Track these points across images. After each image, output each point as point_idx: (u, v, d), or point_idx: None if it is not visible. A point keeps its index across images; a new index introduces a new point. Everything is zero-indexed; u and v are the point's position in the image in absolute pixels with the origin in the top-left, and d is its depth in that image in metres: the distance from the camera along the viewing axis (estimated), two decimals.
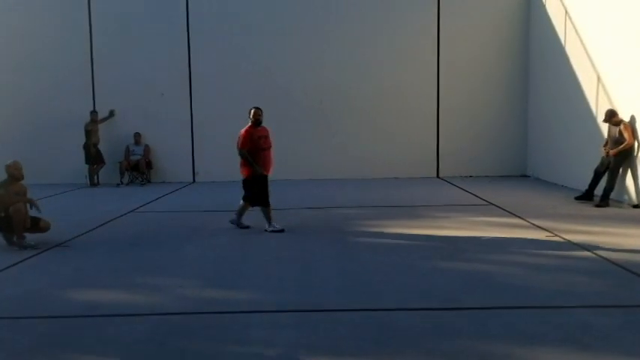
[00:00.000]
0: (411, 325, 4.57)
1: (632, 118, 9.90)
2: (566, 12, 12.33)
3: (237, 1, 14.57)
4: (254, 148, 8.33)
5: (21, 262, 6.80)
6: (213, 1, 14.59)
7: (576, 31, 11.90)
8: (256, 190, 8.39)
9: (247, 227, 8.58)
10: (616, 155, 9.83)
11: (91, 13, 14.65)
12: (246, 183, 8.53)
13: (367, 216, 9.46)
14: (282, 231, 8.26)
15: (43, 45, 14.55)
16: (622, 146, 9.77)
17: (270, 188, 8.54)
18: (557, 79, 12.78)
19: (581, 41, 11.67)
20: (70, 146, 14.28)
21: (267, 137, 8.55)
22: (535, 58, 14.13)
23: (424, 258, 6.62)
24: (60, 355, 4.15)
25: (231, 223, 8.69)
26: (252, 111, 8.60)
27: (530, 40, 14.37)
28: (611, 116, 10.10)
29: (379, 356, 4.00)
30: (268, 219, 8.41)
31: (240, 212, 8.62)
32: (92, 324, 4.78)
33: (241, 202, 8.63)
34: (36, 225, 7.73)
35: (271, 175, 8.63)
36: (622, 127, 9.87)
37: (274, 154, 8.71)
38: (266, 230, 8.35)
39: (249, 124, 8.51)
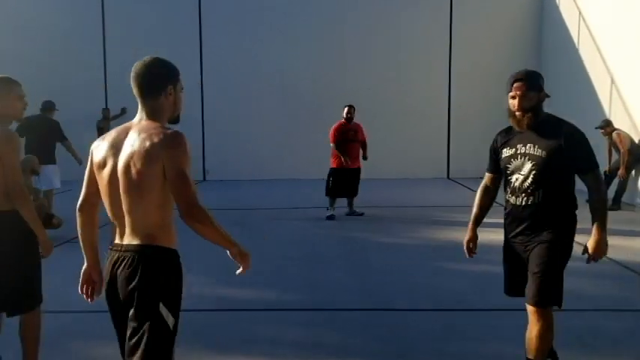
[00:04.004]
0: (419, 325, 4.56)
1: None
2: (580, 13, 12.24)
3: (249, 2, 14.61)
4: (342, 141, 9.12)
5: None
6: (225, 1, 14.63)
7: (590, 32, 11.81)
8: (340, 180, 9.22)
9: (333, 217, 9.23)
10: (626, 171, 9.77)
11: (104, 12, 14.74)
12: (335, 172, 9.32)
13: (377, 216, 9.44)
14: (362, 214, 9.35)
15: (56, 42, 14.64)
16: (623, 160, 9.76)
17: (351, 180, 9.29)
18: (570, 80, 12.69)
19: (595, 43, 11.58)
20: (82, 143, 14.34)
21: (356, 132, 9.31)
22: (547, 57, 14.03)
23: (433, 258, 6.61)
24: (70, 347, 4.19)
25: (328, 218, 9.24)
26: (345, 109, 9.31)
27: (542, 40, 14.29)
28: (606, 126, 10.10)
29: (387, 356, 3.99)
30: (350, 205, 9.46)
31: (331, 205, 9.36)
32: (101, 319, 4.80)
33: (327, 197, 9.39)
34: (49, 221, 7.78)
35: (360, 166, 9.46)
36: (615, 136, 9.86)
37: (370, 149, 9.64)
38: (347, 214, 9.39)
39: (342, 119, 9.31)
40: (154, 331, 2.33)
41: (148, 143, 2.32)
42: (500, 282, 3.57)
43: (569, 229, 3.29)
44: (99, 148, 2.46)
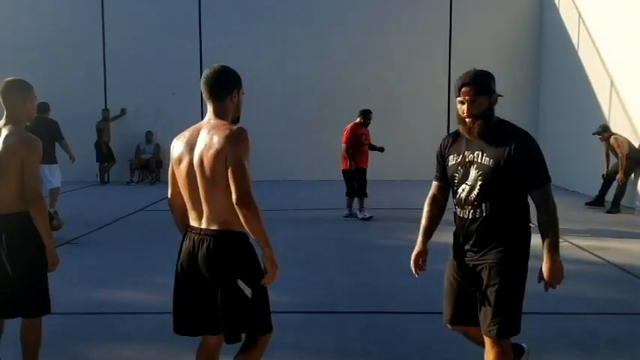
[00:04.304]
0: (418, 328, 4.56)
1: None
2: (580, 15, 12.26)
3: (247, 2, 14.63)
4: (356, 144, 9.28)
5: None
6: (224, 2, 14.65)
7: (590, 34, 11.83)
8: (354, 181, 9.36)
9: (351, 215, 9.48)
10: (624, 175, 9.76)
11: (104, 12, 14.75)
12: (345, 174, 9.47)
13: (375, 218, 9.44)
14: (370, 218, 9.26)
15: (56, 43, 14.63)
16: (621, 165, 9.77)
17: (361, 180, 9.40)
18: (570, 83, 12.71)
19: (595, 46, 11.60)
20: (82, 144, 14.34)
21: (367, 136, 9.58)
22: (547, 61, 14.06)
23: (432, 261, 6.58)
24: (70, 349, 4.18)
25: (346, 217, 9.47)
26: (367, 114, 9.57)
27: (542, 44, 14.31)
28: (603, 131, 10.13)
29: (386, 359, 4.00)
30: (361, 206, 9.40)
31: (349, 204, 9.53)
32: (101, 320, 4.81)
33: (346, 197, 9.53)
34: (49, 223, 7.77)
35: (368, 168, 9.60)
36: (612, 141, 9.87)
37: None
38: (357, 217, 9.33)
39: (357, 122, 9.49)
40: (236, 303, 2.75)
41: (216, 139, 2.70)
42: None
43: (522, 246, 2.96)
44: (175, 147, 2.85)
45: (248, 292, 2.76)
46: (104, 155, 14.37)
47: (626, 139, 9.93)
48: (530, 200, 2.93)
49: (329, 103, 14.49)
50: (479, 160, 2.91)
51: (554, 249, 2.88)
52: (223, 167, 2.67)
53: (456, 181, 3.02)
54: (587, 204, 10.38)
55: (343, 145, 9.39)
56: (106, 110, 14.50)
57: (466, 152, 2.96)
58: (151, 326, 4.63)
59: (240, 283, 2.75)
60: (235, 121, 2.91)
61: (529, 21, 14.45)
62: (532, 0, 14.47)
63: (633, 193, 10.03)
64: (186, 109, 14.73)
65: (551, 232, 2.88)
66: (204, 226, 2.78)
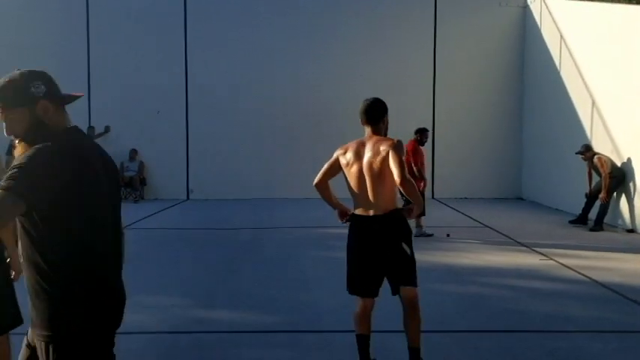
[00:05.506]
0: (404, 347, 4.52)
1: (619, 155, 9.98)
2: (562, 37, 12.46)
3: (234, 18, 14.67)
4: (418, 164, 9.19)
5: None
6: (210, 19, 14.68)
7: (572, 56, 12.01)
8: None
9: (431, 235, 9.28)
10: (607, 194, 9.86)
11: (89, 30, 14.70)
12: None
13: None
14: (431, 235, 9.16)
15: (40, 61, 14.52)
16: (604, 184, 9.85)
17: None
18: (553, 103, 12.86)
19: (577, 66, 11.77)
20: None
21: (423, 156, 9.57)
22: (530, 82, 14.23)
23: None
24: None
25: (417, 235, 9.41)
26: (422, 132, 9.40)
27: (525, 65, 14.49)
28: (586, 150, 10.25)
29: None
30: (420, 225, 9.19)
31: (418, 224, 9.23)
32: None
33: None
34: None
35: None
36: (596, 160, 9.99)
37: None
38: (415, 235, 9.09)
39: (414, 140, 9.29)
40: (405, 259, 3.88)
41: (382, 147, 3.84)
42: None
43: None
44: (344, 155, 3.97)
45: (408, 251, 3.87)
46: None
47: (609, 158, 10.04)
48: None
49: (316, 122, 14.51)
50: None
51: None
52: (387, 168, 3.74)
53: None
54: (570, 222, 10.45)
55: (415, 168, 9.01)
56: (90, 128, 14.40)
57: None
58: (137, 346, 4.55)
59: (404, 245, 3.86)
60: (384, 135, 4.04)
61: (512, 43, 14.62)
62: (515, 21, 14.66)
63: (616, 211, 10.12)
64: (170, 126, 14.70)
65: None
66: (372, 213, 3.83)
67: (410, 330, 3.94)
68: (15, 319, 3.41)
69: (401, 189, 3.76)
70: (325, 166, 4.07)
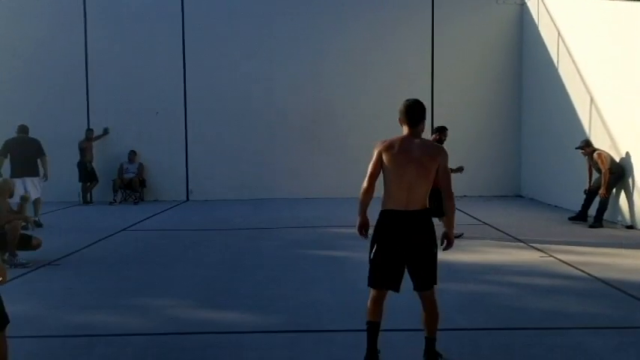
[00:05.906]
0: (404, 345, 4.53)
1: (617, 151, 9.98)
2: (559, 33, 12.45)
3: (232, 20, 14.67)
4: None
5: (11, 280, 6.72)
6: (209, 21, 14.68)
7: (569, 53, 12.01)
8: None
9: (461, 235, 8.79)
10: (607, 190, 9.86)
11: (87, 31, 14.69)
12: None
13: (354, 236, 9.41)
14: (461, 235, 8.63)
15: (38, 63, 14.56)
16: (604, 180, 9.85)
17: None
18: (551, 100, 12.86)
19: (575, 63, 11.77)
20: (64, 164, 14.21)
21: None
22: (528, 79, 14.23)
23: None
24: None
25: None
26: (441, 130, 8.99)
27: (523, 61, 14.49)
28: (586, 146, 10.24)
29: None
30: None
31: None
32: (82, 344, 4.72)
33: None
34: (28, 242, 7.66)
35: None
36: (595, 156, 9.98)
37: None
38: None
39: (434, 139, 8.59)
40: (433, 263, 4.02)
41: (431, 150, 4.03)
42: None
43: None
44: (388, 150, 4.00)
45: (436, 253, 4.00)
46: (87, 175, 14.23)
47: (609, 155, 10.03)
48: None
49: (314, 122, 14.52)
50: None
51: None
52: (433, 168, 3.93)
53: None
54: (570, 219, 10.45)
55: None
56: (89, 130, 14.40)
57: None
58: (133, 348, 4.55)
59: (434, 249, 3.98)
60: None
61: (509, 39, 14.63)
62: (512, 19, 14.66)
63: (615, 207, 10.12)
64: (169, 128, 14.69)
65: None
66: (410, 208, 3.92)
67: (429, 323, 4.09)
68: (4, 319, 3.43)
69: (445, 202, 3.96)
70: (370, 168, 4.06)
